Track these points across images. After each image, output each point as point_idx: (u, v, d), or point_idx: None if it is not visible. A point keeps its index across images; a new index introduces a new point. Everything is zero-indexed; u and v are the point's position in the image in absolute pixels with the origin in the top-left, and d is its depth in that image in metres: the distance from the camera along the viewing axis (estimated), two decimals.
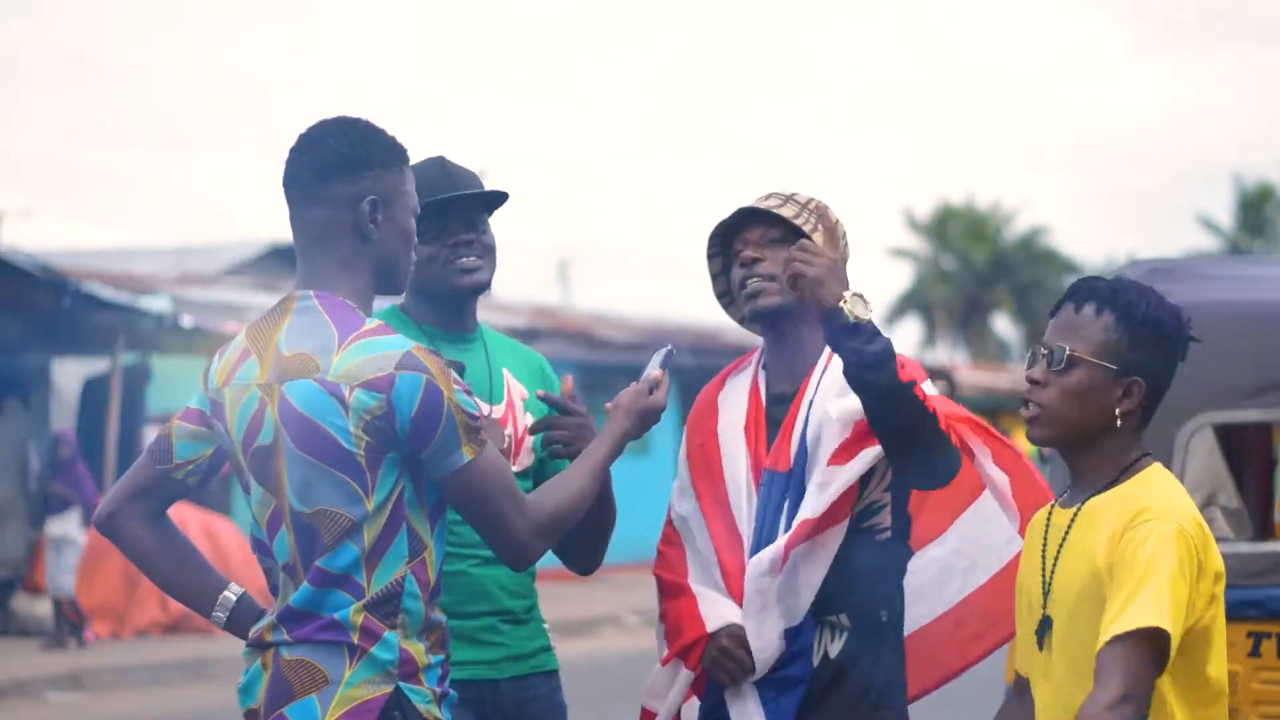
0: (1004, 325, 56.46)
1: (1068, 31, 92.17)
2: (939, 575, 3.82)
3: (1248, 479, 6.06)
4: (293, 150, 3.14)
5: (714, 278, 3.92)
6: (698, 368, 25.72)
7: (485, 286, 3.82)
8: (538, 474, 3.83)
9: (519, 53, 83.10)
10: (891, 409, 3.47)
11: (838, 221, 3.83)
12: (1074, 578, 3.09)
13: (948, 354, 51.21)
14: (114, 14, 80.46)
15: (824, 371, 3.76)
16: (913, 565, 3.79)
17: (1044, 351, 3.17)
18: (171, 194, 71.47)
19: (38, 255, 15.86)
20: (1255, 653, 4.78)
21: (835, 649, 3.68)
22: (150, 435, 16.83)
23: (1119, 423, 3.12)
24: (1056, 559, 3.14)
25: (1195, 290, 5.22)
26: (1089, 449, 3.15)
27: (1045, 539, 3.20)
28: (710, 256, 3.91)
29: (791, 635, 3.66)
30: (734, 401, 3.84)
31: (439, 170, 3.81)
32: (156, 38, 76.32)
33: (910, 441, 3.54)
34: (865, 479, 3.69)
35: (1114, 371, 3.12)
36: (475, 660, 3.72)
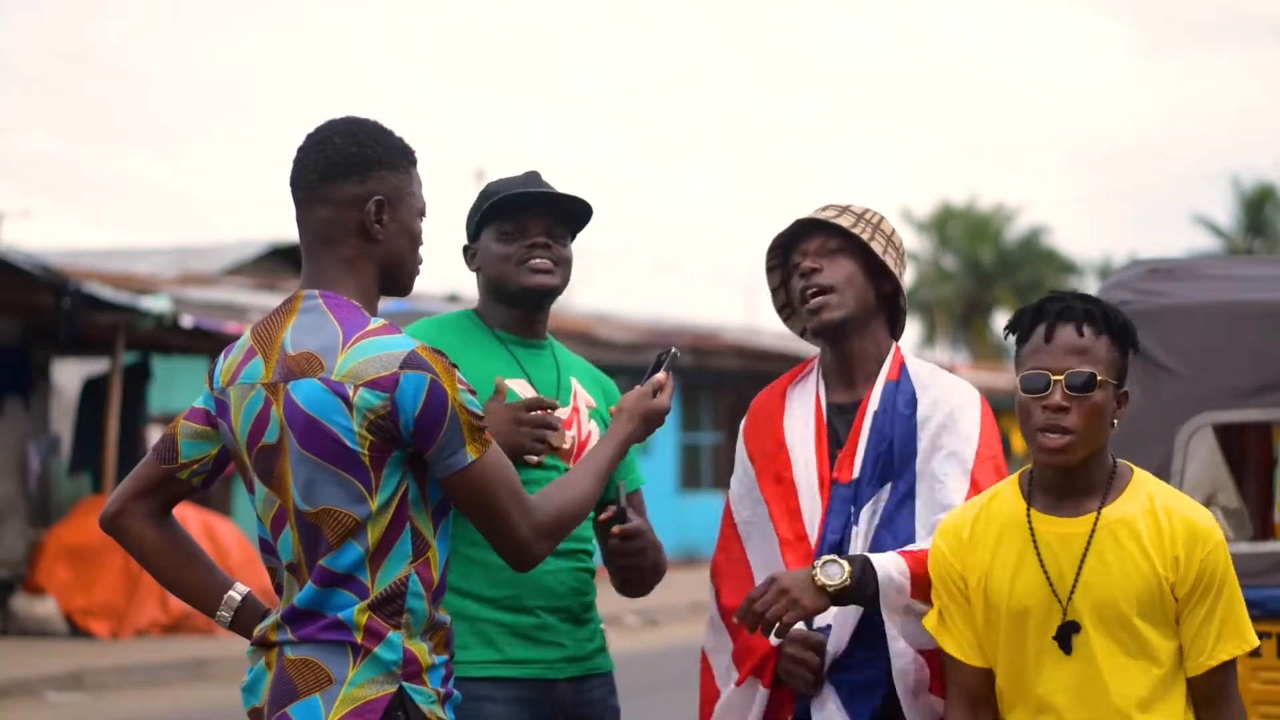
0: (1004, 325, 56.48)
1: (1068, 32, 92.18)
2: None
3: (1248, 479, 6.07)
4: (300, 149, 3.15)
5: (773, 291, 3.94)
6: (697, 368, 25.80)
7: (554, 291, 3.86)
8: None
9: (517, 52, 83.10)
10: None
11: (894, 231, 3.89)
12: (1122, 587, 3.24)
13: (948, 354, 51.18)
14: (114, 14, 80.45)
15: (884, 385, 3.78)
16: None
17: (1057, 376, 3.26)
18: (171, 194, 71.48)
19: (38, 255, 15.83)
20: (1255, 653, 4.77)
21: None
22: (150, 435, 16.85)
23: (1112, 432, 3.31)
24: (1081, 566, 3.25)
25: (1195, 290, 5.23)
26: (1094, 461, 3.30)
27: (1037, 546, 3.29)
28: (770, 269, 3.92)
29: (869, 633, 3.66)
30: (801, 413, 3.85)
31: (529, 179, 3.89)
32: (156, 38, 76.34)
33: None
34: None
35: (1115, 387, 3.29)
36: (533, 659, 3.74)
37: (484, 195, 3.88)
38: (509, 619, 3.73)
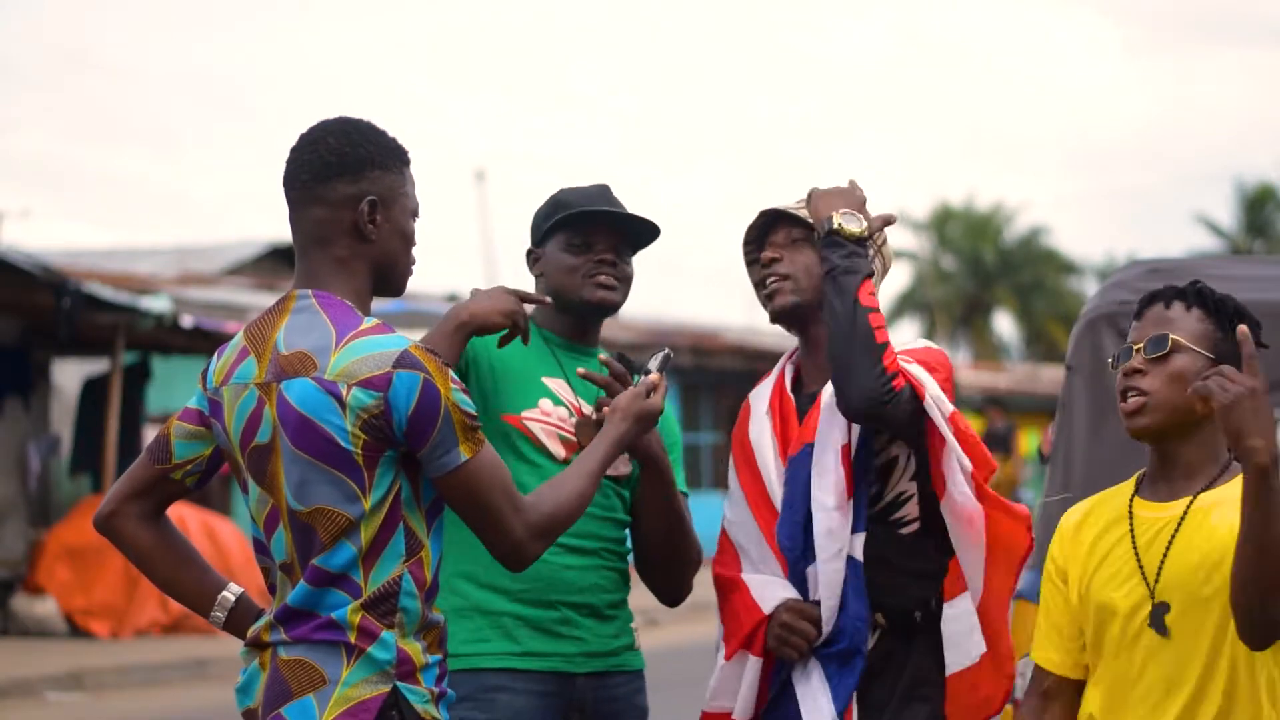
0: (1004, 325, 56.49)
1: (1067, 32, 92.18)
2: (967, 629, 3.77)
3: None
4: (293, 149, 3.14)
5: (756, 285, 3.96)
6: (697, 368, 25.79)
7: (615, 309, 3.96)
8: (636, 485, 3.94)
9: (517, 52, 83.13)
10: (831, 319, 3.63)
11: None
12: (1208, 565, 3.19)
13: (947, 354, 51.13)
14: (114, 14, 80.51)
15: None
16: (948, 612, 3.77)
17: (1138, 345, 3.29)
18: (171, 194, 71.51)
19: (38, 255, 15.83)
20: None
21: (868, 646, 3.72)
22: (150, 435, 16.83)
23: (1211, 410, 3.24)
24: (1168, 549, 3.23)
25: None
26: (1188, 439, 3.27)
27: (1133, 530, 3.27)
28: (749, 263, 3.96)
29: (851, 604, 3.68)
30: (760, 395, 3.93)
31: (601, 193, 3.97)
32: (156, 38, 76.37)
33: (836, 352, 3.63)
34: (888, 470, 3.72)
35: (1210, 359, 3.26)
36: (551, 652, 3.78)
37: (556, 203, 3.97)
38: (529, 612, 3.78)
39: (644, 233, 3.98)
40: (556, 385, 3.88)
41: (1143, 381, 3.26)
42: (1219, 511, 3.20)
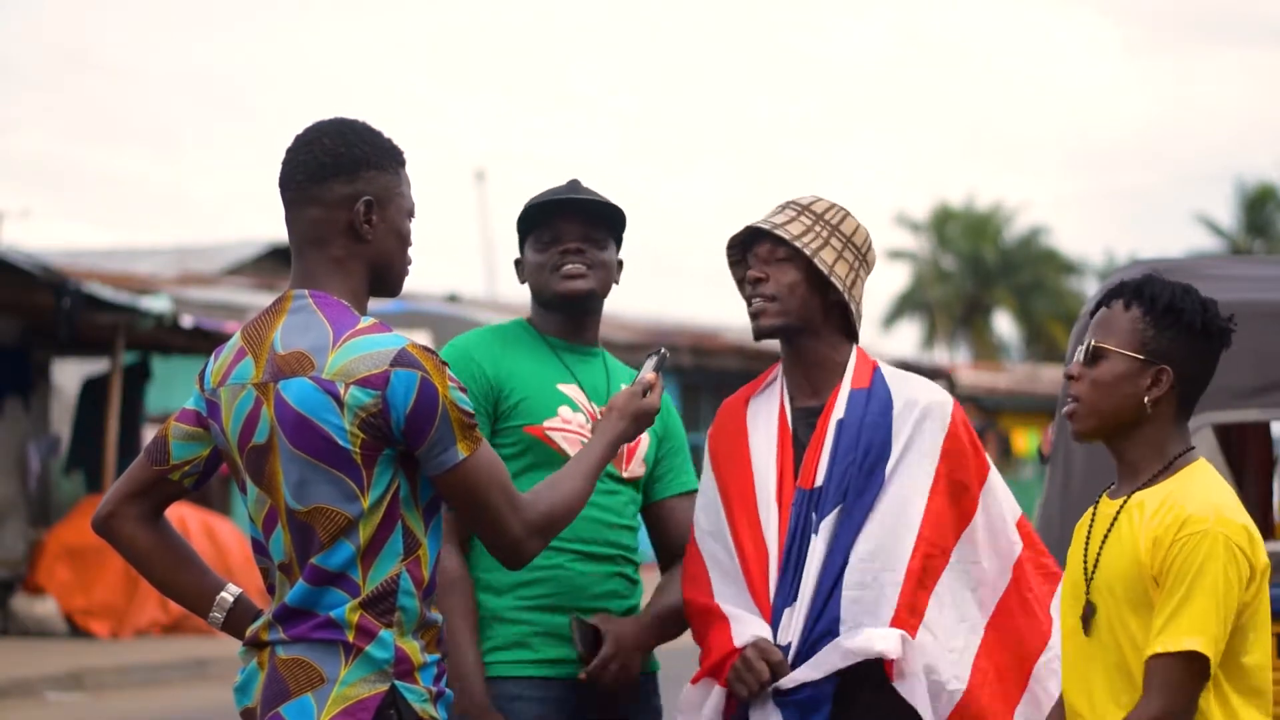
0: (1004, 325, 56.46)
1: (1067, 32, 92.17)
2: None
3: (1248, 479, 6.06)
4: (289, 150, 3.14)
5: (739, 283, 3.92)
6: (696, 368, 25.78)
7: (590, 295, 3.90)
8: (647, 487, 3.95)
9: (517, 52, 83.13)
10: None
11: (858, 228, 3.84)
12: (1117, 569, 3.19)
13: (947, 354, 51.16)
14: (114, 14, 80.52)
15: (849, 393, 3.76)
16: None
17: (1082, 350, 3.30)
18: (171, 194, 71.52)
19: (38, 255, 15.82)
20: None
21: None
22: (150, 435, 16.81)
23: (1149, 410, 3.23)
24: (1101, 547, 3.24)
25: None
26: (1128, 439, 3.26)
27: (1091, 527, 3.29)
28: (733, 265, 3.92)
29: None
30: (764, 422, 3.84)
31: (568, 189, 3.93)
32: (156, 38, 76.39)
33: None
34: None
35: (1140, 361, 3.23)
36: (568, 659, 3.78)
37: (524, 208, 3.95)
38: (544, 620, 3.79)
39: (613, 216, 3.93)
40: (572, 391, 3.88)
41: (1075, 388, 3.27)
42: (1139, 512, 3.19)
